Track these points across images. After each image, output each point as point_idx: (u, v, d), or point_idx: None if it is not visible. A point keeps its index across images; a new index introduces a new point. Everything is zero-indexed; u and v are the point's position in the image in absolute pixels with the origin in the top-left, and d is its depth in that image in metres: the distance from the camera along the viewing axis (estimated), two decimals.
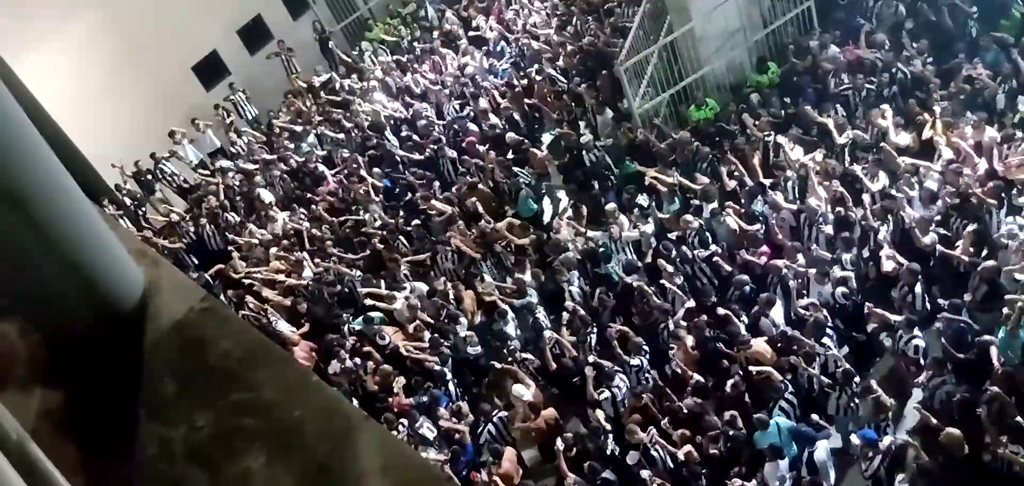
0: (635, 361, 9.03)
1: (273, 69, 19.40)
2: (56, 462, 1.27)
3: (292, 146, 15.89)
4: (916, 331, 8.11)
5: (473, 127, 14.15)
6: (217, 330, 1.61)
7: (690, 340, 9.00)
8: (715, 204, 10.44)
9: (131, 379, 1.56)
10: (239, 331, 1.65)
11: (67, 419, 1.50)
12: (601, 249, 10.52)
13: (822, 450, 7.71)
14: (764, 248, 9.72)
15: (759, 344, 8.41)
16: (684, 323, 9.21)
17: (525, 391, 9.08)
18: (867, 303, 8.60)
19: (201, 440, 1.49)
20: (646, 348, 9.12)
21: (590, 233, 10.96)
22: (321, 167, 14.80)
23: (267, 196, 14.31)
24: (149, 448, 1.50)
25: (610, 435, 8.49)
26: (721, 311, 8.98)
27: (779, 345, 8.49)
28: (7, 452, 1.10)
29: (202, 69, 19.09)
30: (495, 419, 9.11)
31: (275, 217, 13.85)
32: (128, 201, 16.44)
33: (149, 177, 17.18)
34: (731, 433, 7.92)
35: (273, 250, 12.79)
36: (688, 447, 7.97)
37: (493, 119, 13.85)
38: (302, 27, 20.12)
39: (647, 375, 8.99)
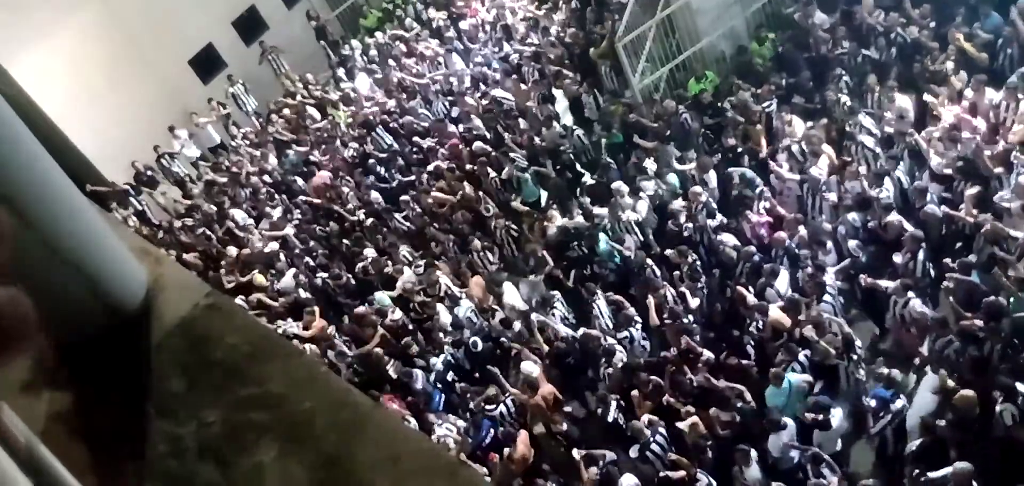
0: (624, 333, 9.12)
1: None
2: (66, 464, 1.26)
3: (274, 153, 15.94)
4: (911, 294, 8.13)
5: (453, 129, 14.21)
6: (222, 325, 1.61)
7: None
8: (714, 183, 10.47)
9: (139, 378, 1.55)
10: (245, 326, 1.65)
11: (76, 420, 1.50)
12: (595, 226, 10.60)
13: (836, 418, 7.74)
14: (766, 219, 9.74)
15: (775, 312, 8.44)
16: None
17: (534, 368, 9.17)
18: (862, 275, 8.63)
19: (211, 436, 1.49)
20: (638, 319, 9.20)
21: (596, 211, 11.01)
22: (300, 182, 14.84)
23: (240, 217, 14.28)
24: (160, 446, 1.50)
25: (610, 406, 8.53)
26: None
27: (787, 312, 8.53)
28: (16, 455, 1.10)
29: (199, 62, 19.03)
30: (507, 400, 9.19)
31: (271, 213, 13.90)
32: (131, 193, 16.48)
33: (150, 173, 17.18)
34: (740, 405, 7.94)
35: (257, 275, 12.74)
36: (694, 419, 8.01)
37: (476, 122, 13.84)
38: (297, 16, 20.01)
39: (641, 344, 9.09)
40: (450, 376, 9.96)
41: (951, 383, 7.24)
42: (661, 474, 7.75)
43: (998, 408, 6.83)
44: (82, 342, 1.56)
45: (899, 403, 7.49)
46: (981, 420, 6.97)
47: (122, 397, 1.53)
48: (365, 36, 18.95)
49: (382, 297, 11.17)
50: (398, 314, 10.89)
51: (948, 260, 8.41)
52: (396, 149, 14.40)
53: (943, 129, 9.36)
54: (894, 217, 8.79)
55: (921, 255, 8.38)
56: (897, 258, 8.57)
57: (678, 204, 10.30)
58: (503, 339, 9.96)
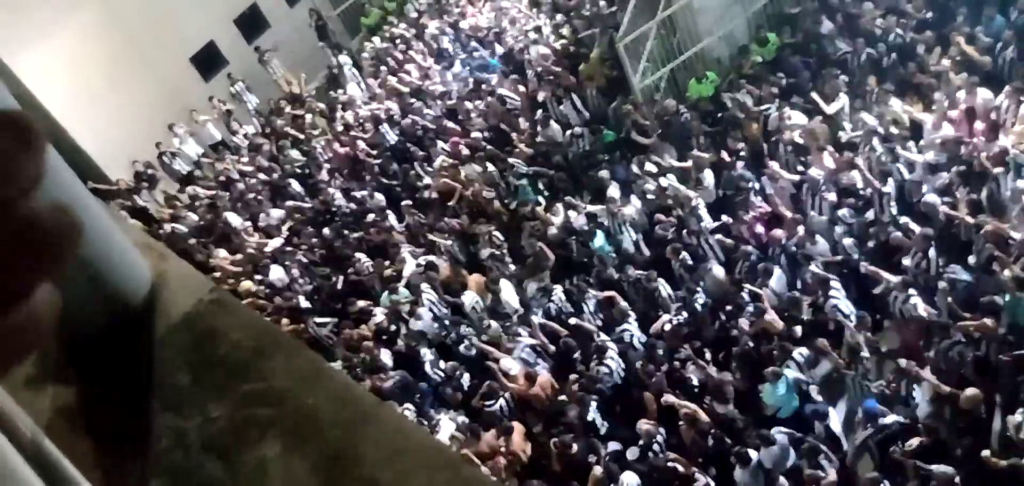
0: (620, 330, 9.15)
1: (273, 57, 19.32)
2: (71, 458, 1.26)
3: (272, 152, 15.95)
4: (912, 291, 8.12)
5: (452, 125, 14.23)
6: (227, 321, 1.61)
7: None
8: (710, 182, 10.48)
9: (143, 373, 1.56)
10: (248, 321, 1.65)
11: (81, 415, 1.50)
12: (586, 228, 10.64)
13: (836, 421, 7.74)
14: (762, 211, 9.77)
15: (769, 313, 8.45)
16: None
17: (513, 365, 9.22)
18: (863, 264, 8.64)
19: (216, 431, 1.49)
20: (631, 314, 9.23)
21: (590, 209, 11.05)
22: (295, 185, 14.86)
23: (235, 220, 14.27)
24: (164, 440, 1.50)
25: (589, 406, 8.56)
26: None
27: (785, 313, 8.54)
28: (22, 450, 1.10)
29: (200, 60, 19.03)
30: (505, 396, 9.21)
31: (268, 214, 13.93)
32: (134, 191, 16.48)
33: (151, 172, 17.17)
34: (733, 419, 7.97)
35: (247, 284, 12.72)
36: (692, 406, 8.03)
37: (479, 120, 13.89)
38: (299, 14, 20.01)
39: (639, 341, 9.11)
40: (442, 364, 10.02)
41: (947, 389, 7.22)
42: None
43: (999, 419, 6.81)
44: (88, 337, 1.56)
45: (889, 419, 7.45)
46: (986, 422, 6.95)
47: (126, 392, 1.54)
48: (366, 36, 18.95)
49: (403, 291, 11.20)
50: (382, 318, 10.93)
51: (948, 261, 8.38)
52: (398, 147, 14.41)
53: (943, 136, 9.35)
54: (897, 232, 8.73)
55: (932, 252, 8.33)
56: (907, 261, 8.52)
57: (671, 202, 10.34)
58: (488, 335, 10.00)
